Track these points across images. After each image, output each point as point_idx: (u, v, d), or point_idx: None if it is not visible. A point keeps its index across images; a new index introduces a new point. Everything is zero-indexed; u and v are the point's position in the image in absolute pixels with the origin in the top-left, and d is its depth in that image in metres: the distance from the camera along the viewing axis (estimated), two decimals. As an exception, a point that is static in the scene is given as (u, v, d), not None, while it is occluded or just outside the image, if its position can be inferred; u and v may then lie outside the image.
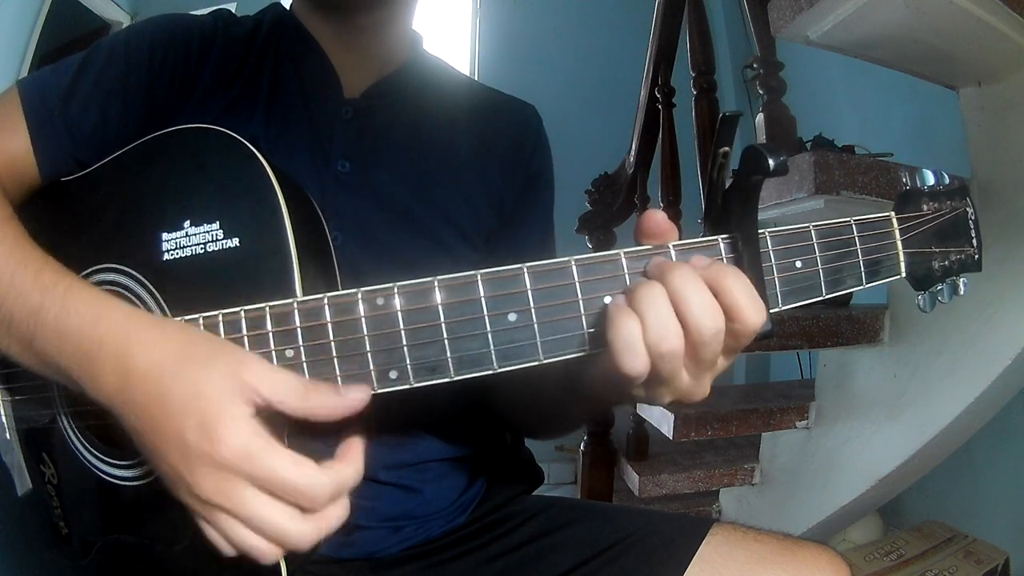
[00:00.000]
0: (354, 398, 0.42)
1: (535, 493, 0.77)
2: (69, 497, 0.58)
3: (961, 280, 0.50)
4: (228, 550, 0.42)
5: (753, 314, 0.40)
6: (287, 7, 0.73)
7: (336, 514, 0.42)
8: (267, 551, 0.41)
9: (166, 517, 0.51)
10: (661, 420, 1.49)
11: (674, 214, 1.62)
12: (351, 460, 0.42)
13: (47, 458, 0.59)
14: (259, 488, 0.40)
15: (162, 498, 0.50)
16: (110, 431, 0.55)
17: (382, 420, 0.65)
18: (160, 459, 0.42)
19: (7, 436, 0.60)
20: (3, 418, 0.60)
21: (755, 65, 1.43)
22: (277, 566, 0.46)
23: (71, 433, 0.56)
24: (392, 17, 0.69)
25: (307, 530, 0.41)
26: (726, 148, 0.43)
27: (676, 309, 0.40)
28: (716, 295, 0.40)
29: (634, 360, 0.40)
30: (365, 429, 0.44)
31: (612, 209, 1.87)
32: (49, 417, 0.57)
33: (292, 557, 0.48)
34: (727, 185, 0.44)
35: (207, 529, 0.42)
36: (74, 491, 0.58)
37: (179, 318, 0.47)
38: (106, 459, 0.54)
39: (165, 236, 0.49)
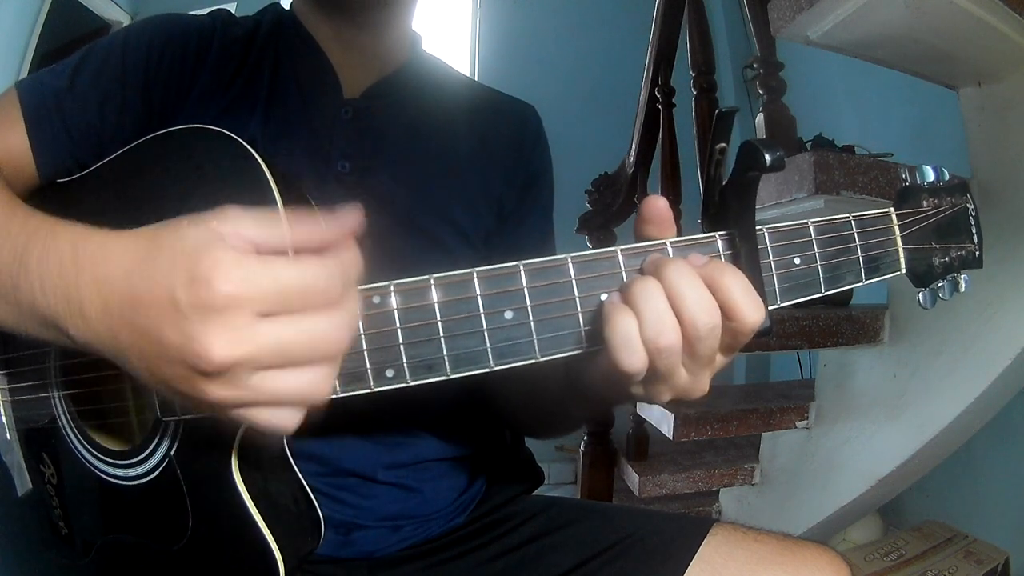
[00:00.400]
0: (348, 218, 0.39)
1: (535, 493, 0.77)
2: (69, 497, 0.58)
3: (962, 277, 0.50)
4: (287, 420, 0.38)
5: (751, 311, 0.40)
6: (286, 7, 0.73)
7: (356, 300, 0.39)
8: (317, 379, 0.37)
9: (166, 517, 0.51)
10: (661, 420, 1.49)
11: (674, 214, 1.62)
12: (344, 244, 0.38)
13: (47, 458, 0.59)
14: (271, 311, 0.35)
15: (162, 498, 0.51)
16: (109, 431, 0.55)
17: (380, 419, 0.65)
18: (164, 364, 0.36)
19: (7, 436, 0.60)
20: (3, 418, 0.60)
21: (755, 65, 1.43)
22: (275, 565, 0.46)
23: (71, 433, 0.56)
24: (392, 17, 0.69)
25: (337, 325, 0.37)
26: (723, 144, 0.42)
27: (672, 305, 0.40)
28: (713, 292, 0.40)
29: (631, 357, 0.40)
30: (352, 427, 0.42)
31: (612, 209, 1.87)
32: (49, 417, 0.57)
33: (290, 556, 0.48)
34: (724, 182, 0.44)
35: (244, 413, 0.37)
36: (74, 491, 0.58)
37: None
38: (106, 459, 0.54)
39: None
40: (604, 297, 0.42)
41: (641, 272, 0.42)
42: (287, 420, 0.37)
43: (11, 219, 0.45)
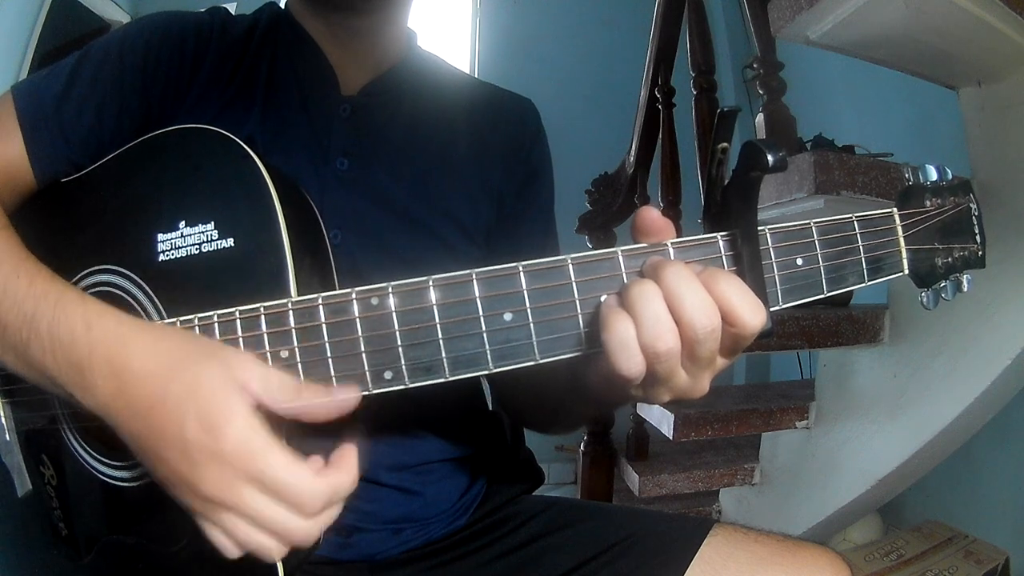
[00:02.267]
0: (344, 398, 0.42)
1: (535, 493, 0.77)
2: (69, 498, 0.58)
3: (965, 277, 0.49)
4: (232, 550, 0.42)
5: (750, 316, 0.39)
6: (283, 5, 0.72)
7: (330, 517, 0.43)
8: (271, 547, 0.42)
9: (165, 518, 0.51)
10: (661, 420, 1.49)
11: (674, 214, 1.62)
12: (346, 467, 0.43)
13: (47, 459, 0.59)
14: (258, 487, 0.40)
15: (161, 499, 0.50)
16: (108, 433, 0.55)
17: (383, 421, 0.65)
18: (160, 463, 0.42)
19: (7, 438, 0.60)
20: (3, 420, 0.60)
21: (755, 65, 1.43)
22: (274, 567, 0.46)
23: (70, 435, 0.56)
24: (389, 17, 0.69)
25: (309, 527, 0.42)
26: (725, 144, 0.42)
27: (670, 307, 0.39)
28: (712, 296, 0.40)
29: (629, 361, 0.39)
30: (361, 432, 0.44)
31: (612, 209, 1.87)
32: (48, 419, 0.57)
33: (290, 557, 0.48)
34: (726, 181, 0.44)
35: (210, 530, 0.42)
36: (73, 492, 0.57)
37: (175, 319, 0.47)
38: (105, 460, 0.54)
39: (160, 237, 0.49)
40: (603, 299, 0.42)
41: (640, 275, 0.42)
42: (228, 550, 0.42)
43: (16, 276, 0.47)
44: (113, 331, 0.43)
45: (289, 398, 0.41)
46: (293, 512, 0.41)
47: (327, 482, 0.41)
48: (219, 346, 0.43)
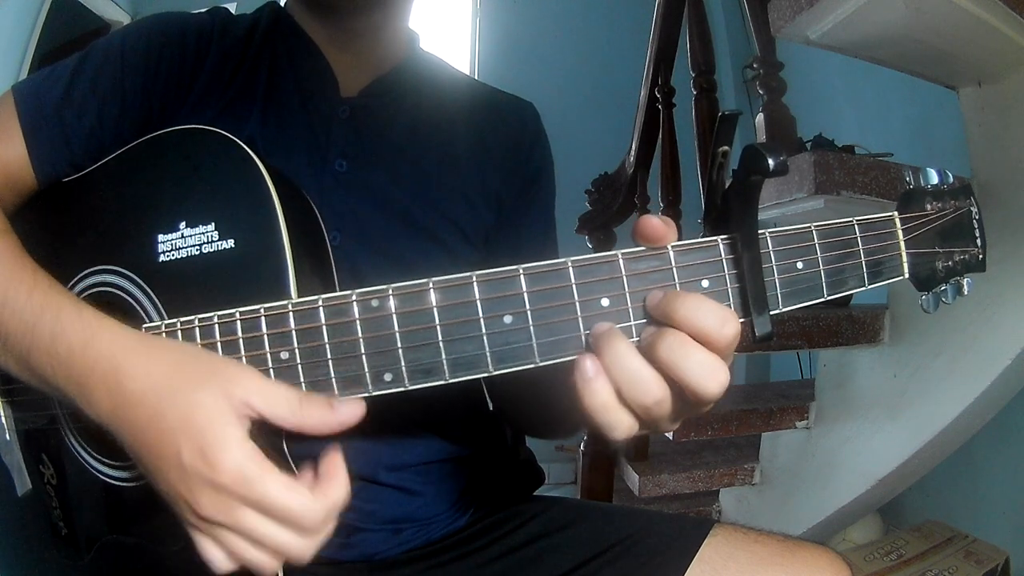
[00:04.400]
0: (348, 413, 0.42)
1: (535, 493, 0.77)
2: (68, 498, 0.58)
3: (965, 280, 0.49)
4: (225, 566, 0.42)
5: (702, 381, 0.39)
6: (284, 5, 0.72)
7: (328, 531, 0.43)
8: (268, 564, 0.42)
9: (164, 518, 0.50)
10: (661, 420, 1.49)
11: (674, 214, 1.62)
12: (338, 478, 0.43)
13: (47, 459, 0.59)
14: (257, 511, 0.40)
15: (160, 499, 0.50)
16: (109, 434, 0.55)
17: (383, 421, 0.65)
18: (158, 478, 0.42)
19: (7, 437, 0.60)
20: (3, 419, 0.60)
21: (755, 65, 1.43)
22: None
23: (70, 434, 0.56)
24: (387, 18, 0.69)
25: (306, 545, 0.42)
26: (725, 148, 0.42)
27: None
28: (659, 367, 0.40)
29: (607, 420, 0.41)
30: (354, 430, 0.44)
31: (612, 209, 1.87)
32: (48, 418, 0.57)
33: (287, 566, 0.48)
34: (727, 185, 0.44)
35: (205, 545, 0.42)
36: (73, 492, 0.58)
37: (175, 320, 0.47)
38: (105, 460, 0.54)
39: (161, 238, 0.49)
40: (605, 303, 0.42)
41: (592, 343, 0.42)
42: (223, 566, 0.43)
43: (16, 288, 0.47)
44: (108, 350, 0.43)
45: (292, 413, 0.42)
46: (293, 532, 0.41)
47: (325, 500, 0.42)
48: (218, 363, 0.42)
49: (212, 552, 0.42)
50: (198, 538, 0.42)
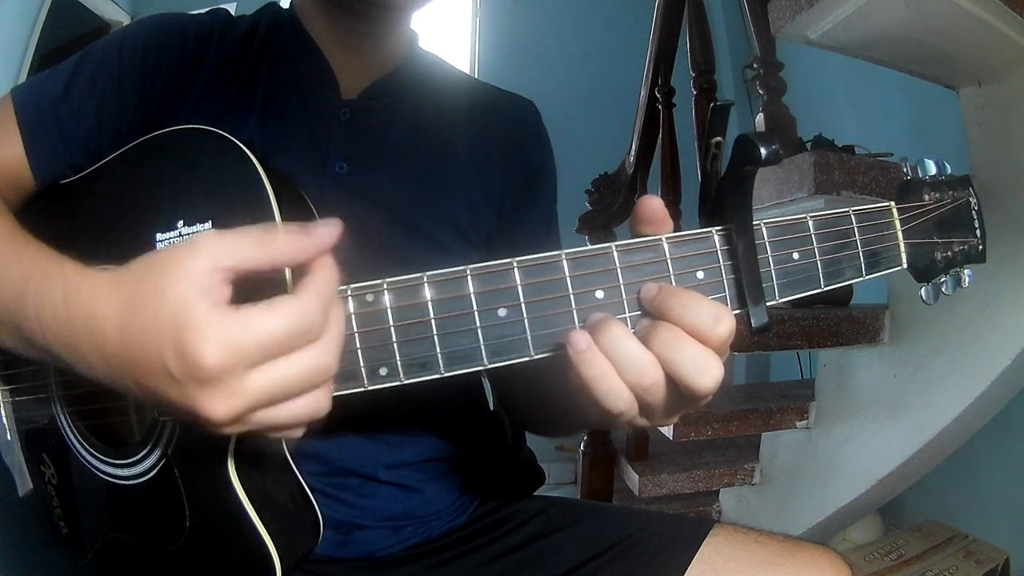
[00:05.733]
0: (325, 233, 0.38)
1: (535, 493, 0.77)
2: (69, 497, 0.58)
3: (965, 271, 0.49)
4: (290, 434, 0.40)
5: (696, 377, 0.39)
6: (285, 6, 0.72)
7: (340, 317, 0.40)
8: (315, 403, 0.39)
9: (165, 516, 0.51)
10: (661, 420, 1.49)
11: (674, 214, 1.61)
12: (321, 268, 0.39)
13: (47, 458, 0.59)
14: (262, 365, 0.37)
15: (160, 497, 0.50)
16: (108, 430, 0.55)
17: (382, 418, 0.65)
18: (172, 408, 0.39)
19: (8, 437, 0.60)
20: (3, 419, 0.60)
21: (755, 65, 1.43)
22: (272, 565, 0.46)
23: (70, 433, 0.56)
24: (400, 20, 0.69)
25: (324, 354, 0.38)
26: (719, 138, 0.42)
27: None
28: (657, 356, 0.40)
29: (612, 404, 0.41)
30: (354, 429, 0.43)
31: (612, 209, 1.87)
32: (48, 417, 0.57)
33: (288, 556, 0.48)
34: (721, 176, 0.44)
35: (264, 434, 0.40)
36: (74, 491, 0.58)
37: None
38: (106, 459, 0.54)
39: (159, 236, 0.49)
40: (600, 295, 0.42)
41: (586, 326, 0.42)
42: (291, 434, 0.40)
43: (8, 255, 0.46)
44: (87, 297, 0.40)
45: (261, 250, 0.37)
46: (307, 348, 0.37)
47: (313, 292, 0.37)
48: (176, 249, 0.38)
49: (270, 435, 0.40)
50: (250, 435, 0.40)
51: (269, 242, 0.37)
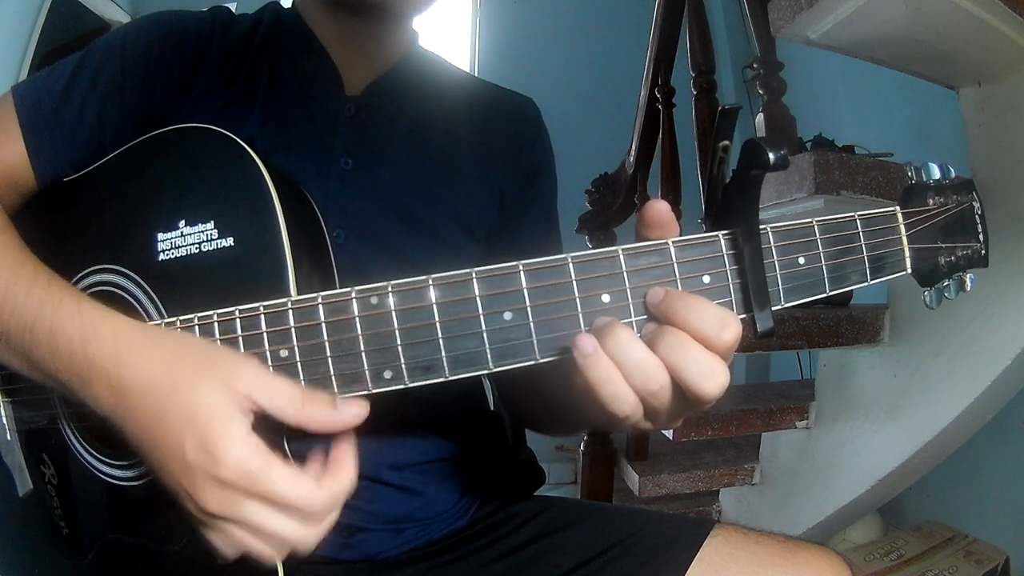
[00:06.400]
0: (350, 414, 0.42)
1: (535, 493, 0.77)
2: (69, 497, 0.58)
3: (968, 276, 0.49)
4: (231, 554, 0.43)
5: (700, 380, 0.39)
6: (286, 5, 0.72)
7: (331, 522, 0.43)
8: (272, 554, 0.42)
9: (166, 517, 0.51)
10: (661, 420, 1.49)
11: (675, 214, 1.62)
12: (344, 468, 0.43)
13: (47, 458, 0.59)
14: (261, 503, 0.40)
15: (160, 498, 0.50)
16: (109, 432, 0.55)
17: (384, 420, 0.65)
18: (163, 473, 0.42)
19: (8, 437, 0.60)
20: (4, 419, 0.60)
21: (755, 65, 1.43)
22: (274, 567, 0.46)
23: (70, 434, 0.56)
24: (406, 19, 0.69)
25: (309, 535, 0.42)
26: (726, 142, 0.42)
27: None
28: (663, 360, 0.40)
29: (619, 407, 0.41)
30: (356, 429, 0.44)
31: (612, 209, 1.87)
32: (48, 418, 0.57)
33: (290, 557, 0.48)
34: (727, 180, 0.44)
35: (210, 537, 0.42)
36: (74, 491, 0.57)
37: (175, 318, 0.46)
38: (105, 460, 0.54)
39: (160, 236, 0.49)
40: (606, 298, 0.42)
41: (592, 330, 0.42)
42: (229, 553, 0.43)
43: (17, 282, 0.47)
44: (109, 345, 0.43)
45: (295, 409, 0.41)
46: (297, 522, 0.41)
47: (330, 490, 0.42)
48: (218, 355, 0.42)
49: (217, 543, 0.42)
50: (203, 531, 0.43)
51: (303, 405, 0.41)
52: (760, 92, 1.41)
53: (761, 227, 0.43)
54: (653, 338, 0.40)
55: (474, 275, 0.42)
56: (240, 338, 0.44)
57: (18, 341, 0.45)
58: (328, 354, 0.43)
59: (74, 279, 0.54)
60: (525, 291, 0.42)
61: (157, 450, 0.41)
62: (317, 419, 0.42)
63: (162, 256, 0.49)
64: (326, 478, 0.42)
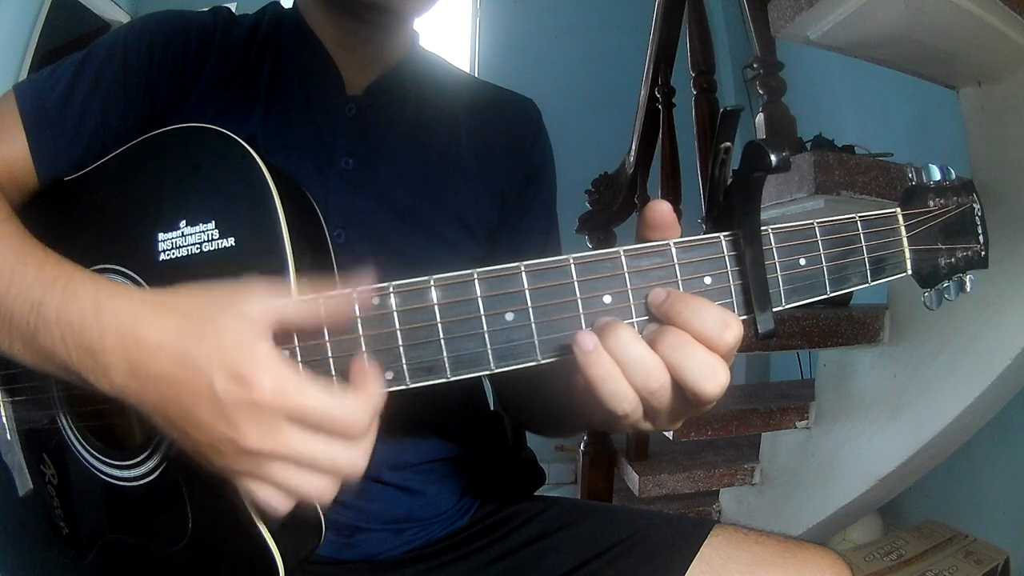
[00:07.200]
0: (363, 290, 0.42)
1: (536, 493, 0.77)
2: (70, 497, 0.58)
3: (968, 277, 0.49)
4: (283, 504, 0.41)
5: (701, 380, 0.39)
6: (287, 5, 0.72)
7: (371, 441, 0.42)
8: (324, 487, 0.41)
9: (166, 517, 0.51)
10: (661, 420, 1.49)
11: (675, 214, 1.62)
12: (369, 379, 0.41)
13: (48, 458, 0.59)
14: (301, 425, 0.39)
15: (161, 499, 0.50)
16: (109, 432, 0.55)
17: (385, 420, 0.65)
18: (191, 429, 0.40)
19: (8, 437, 0.60)
20: (4, 419, 0.60)
21: (755, 65, 1.43)
22: (275, 566, 0.46)
23: (71, 434, 0.56)
24: (407, 21, 0.69)
25: (356, 455, 0.41)
26: (728, 144, 0.42)
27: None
28: (663, 359, 0.40)
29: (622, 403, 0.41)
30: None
31: (612, 209, 1.87)
32: (49, 418, 0.57)
33: (290, 556, 0.48)
34: (729, 181, 0.44)
35: (257, 490, 0.41)
36: (74, 491, 0.58)
37: None
38: (106, 460, 0.54)
39: (161, 236, 0.49)
40: (607, 299, 0.42)
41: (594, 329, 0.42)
42: (280, 505, 0.41)
43: (24, 264, 0.46)
44: (126, 310, 0.42)
45: (312, 315, 0.41)
46: (340, 441, 0.40)
47: (365, 398, 0.40)
48: (228, 296, 0.41)
49: (265, 493, 0.41)
50: (247, 484, 0.41)
51: (319, 308, 0.41)
52: (760, 92, 1.41)
53: (762, 228, 0.43)
54: (655, 338, 0.40)
55: (476, 276, 0.42)
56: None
57: (22, 323, 0.44)
58: (329, 355, 0.43)
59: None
60: (527, 292, 0.42)
61: (182, 403, 0.40)
62: (341, 307, 0.41)
63: (163, 256, 0.49)
64: (357, 389, 0.40)
